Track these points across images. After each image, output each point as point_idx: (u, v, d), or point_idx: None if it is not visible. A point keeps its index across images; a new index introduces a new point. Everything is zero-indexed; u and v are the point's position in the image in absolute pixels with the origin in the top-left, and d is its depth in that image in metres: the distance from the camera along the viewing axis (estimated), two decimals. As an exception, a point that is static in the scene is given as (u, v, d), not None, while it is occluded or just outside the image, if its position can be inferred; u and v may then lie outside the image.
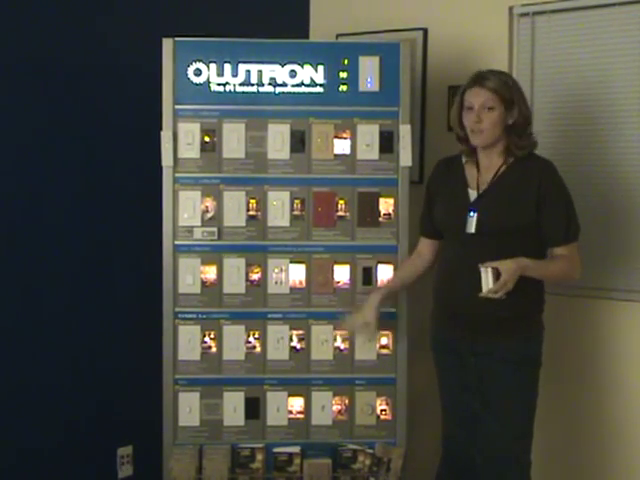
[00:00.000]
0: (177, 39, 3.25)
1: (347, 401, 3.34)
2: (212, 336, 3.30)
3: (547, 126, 3.53)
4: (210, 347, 3.30)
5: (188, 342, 3.29)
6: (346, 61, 3.29)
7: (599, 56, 3.46)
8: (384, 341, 3.32)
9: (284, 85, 3.29)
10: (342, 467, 3.30)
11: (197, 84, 3.27)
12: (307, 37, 4.16)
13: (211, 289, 3.29)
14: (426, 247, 3.17)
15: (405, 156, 3.30)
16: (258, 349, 3.31)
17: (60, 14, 3.30)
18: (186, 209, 3.27)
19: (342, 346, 3.33)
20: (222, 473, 3.23)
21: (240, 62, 3.27)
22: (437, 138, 3.77)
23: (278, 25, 3.92)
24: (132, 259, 3.57)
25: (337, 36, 4.04)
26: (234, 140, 3.28)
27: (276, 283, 3.31)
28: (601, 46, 3.45)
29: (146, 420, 3.48)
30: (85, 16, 3.38)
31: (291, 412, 3.32)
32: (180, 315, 3.29)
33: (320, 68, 3.29)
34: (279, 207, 3.30)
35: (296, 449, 3.30)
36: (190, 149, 3.27)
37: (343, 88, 3.30)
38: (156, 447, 3.31)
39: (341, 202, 3.31)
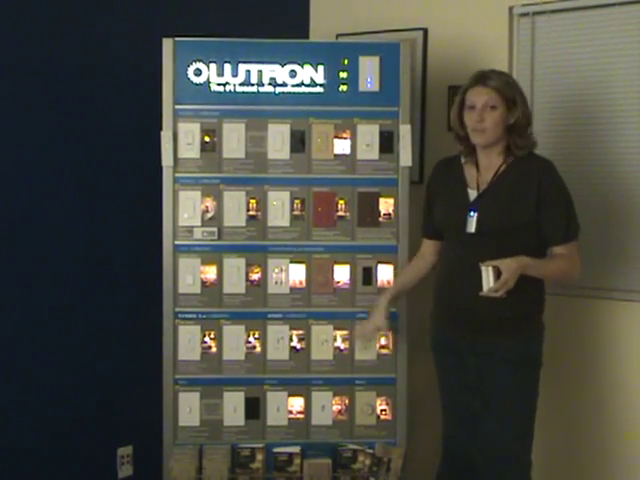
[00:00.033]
0: (177, 39, 3.25)
1: (347, 401, 3.34)
2: (212, 336, 3.30)
3: (547, 126, 3.53)
4: (210, 347, 3.30)
5: (188, 342, 3.29)
6: (346, 61, 3.29)
7: (599, 56, 3.46)
8: (384, 341, 3.33)
9: (284, 85, 3.29)
10: (342, 467, 3.30)
11: (197, 84, 3.27)
12: (307, 37, 4.16)
13: (211, 289, 3.29)
14: (428, 248, 3.17)
15: (405, 156, 3.30)
16: (258, 349, 3.31)
17: (60, 14, 3.30)
18: (186, 209, 3.27)
19: (342, 346, 3.33)
20: (222, 473, 3.23)
21: (240, 62, 3.27)
22: (437, 138, 3.77)
23: (278, 25, 3.92)
24: (132, 259, 3.57)
25: (337, 36, 4.04)
26: (234, 140, 3.28)
27: (276, 283, 3.31)
28: (601, 46, 3.45)
29: (146, 420, 3.48)
30: (85, 16, 3.38)
31: (291, 412, 3.32)
32: (180, 315, 3.29)
33: (320, 68, 3.29)
34: (279, 207, 3.29)
35: (296, 449, 3.30)
36: (190, 149, 3.27)
37: (343, 88, 3.30)
38: (156, 447, 3.31)
39: (341, 202, 3.31)
